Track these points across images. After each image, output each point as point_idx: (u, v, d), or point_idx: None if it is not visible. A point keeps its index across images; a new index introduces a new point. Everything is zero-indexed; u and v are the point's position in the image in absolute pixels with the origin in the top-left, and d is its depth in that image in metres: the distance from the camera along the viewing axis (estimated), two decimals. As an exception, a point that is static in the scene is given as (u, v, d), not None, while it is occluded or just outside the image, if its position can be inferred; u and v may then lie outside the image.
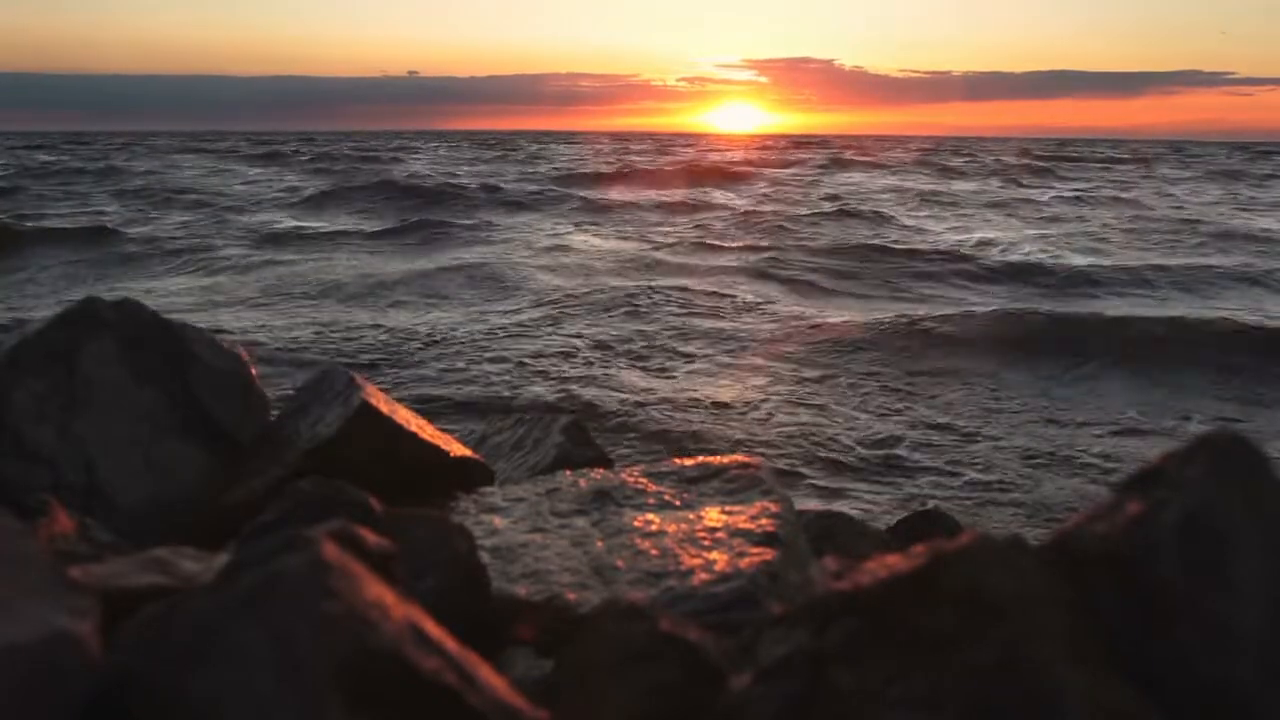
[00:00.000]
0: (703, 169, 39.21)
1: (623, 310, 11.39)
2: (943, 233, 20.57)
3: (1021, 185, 35.29)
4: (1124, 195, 30.92)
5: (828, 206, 24.39)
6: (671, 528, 1.74)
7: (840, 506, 5.02)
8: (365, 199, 26.03)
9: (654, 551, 1.66)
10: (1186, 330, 10.27)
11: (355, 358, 8.98)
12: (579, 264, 15.30)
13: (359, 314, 11.24)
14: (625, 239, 18.77)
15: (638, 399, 7.73)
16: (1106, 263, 16.26)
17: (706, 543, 1.66)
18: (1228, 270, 15.54)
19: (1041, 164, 49.49)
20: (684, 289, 12.59)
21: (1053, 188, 33.84)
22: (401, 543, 1.15)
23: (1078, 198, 29.74)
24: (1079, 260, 16.50)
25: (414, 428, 2.15)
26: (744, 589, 1.50)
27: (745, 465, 2.00)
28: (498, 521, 1.89)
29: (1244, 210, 26.96)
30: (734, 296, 12.35)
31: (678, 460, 2.10)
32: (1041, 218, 24.24)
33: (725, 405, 7.62)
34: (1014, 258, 16.67)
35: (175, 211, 23.72)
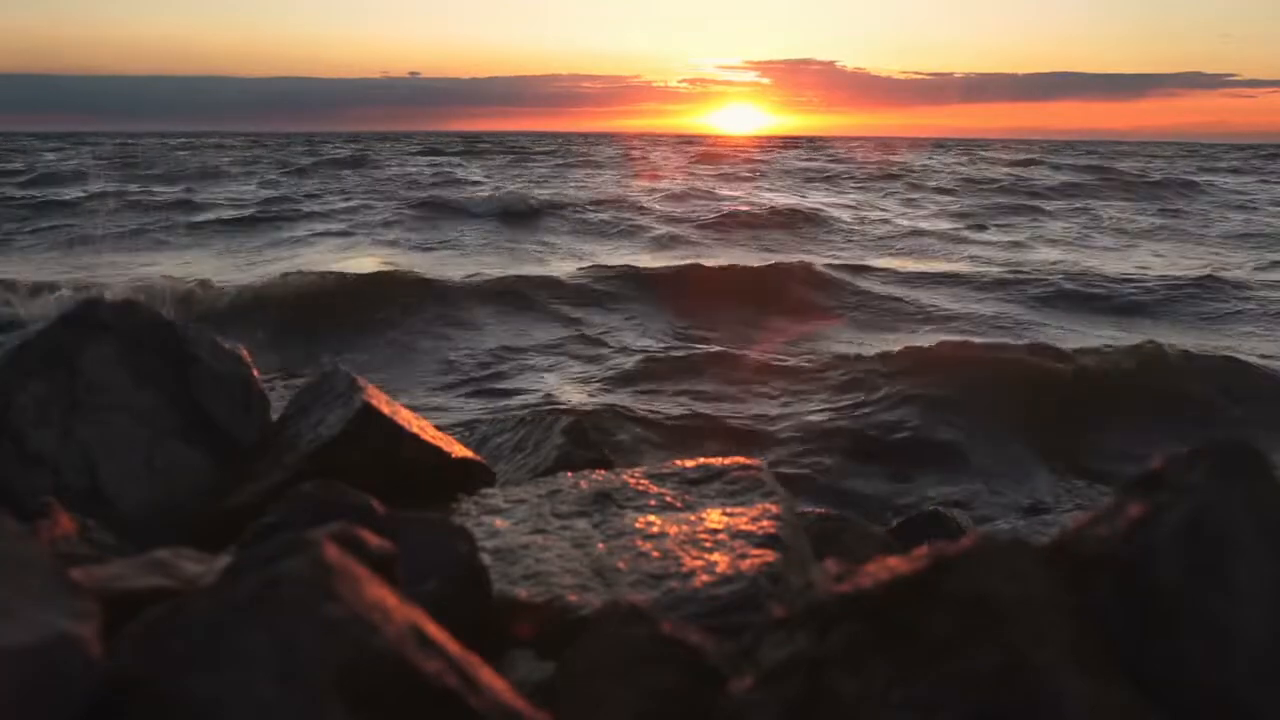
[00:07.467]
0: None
1: (620, 315, 11.38)
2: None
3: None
4: None
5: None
6: (673, 529, 1.74)
7: (842, 508, 5.01)
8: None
9: (655, 553, 1.66)
10: None
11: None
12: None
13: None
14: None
15: (638, 401, 7.73)
16: None
17: (708, 544, 1.66)
18: None
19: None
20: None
21: None
22: (403, 545, 1.15)
23: None
24: None
25: (415, 429, 2.15)
26: (745, 591, 1.50)
27: (746, 467, 2.00)
28: (499, 523, 1.89)
29: None
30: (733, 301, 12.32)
31: (679, 462, 2.09)
32: None
33: (726, 407, 7.61)
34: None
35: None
